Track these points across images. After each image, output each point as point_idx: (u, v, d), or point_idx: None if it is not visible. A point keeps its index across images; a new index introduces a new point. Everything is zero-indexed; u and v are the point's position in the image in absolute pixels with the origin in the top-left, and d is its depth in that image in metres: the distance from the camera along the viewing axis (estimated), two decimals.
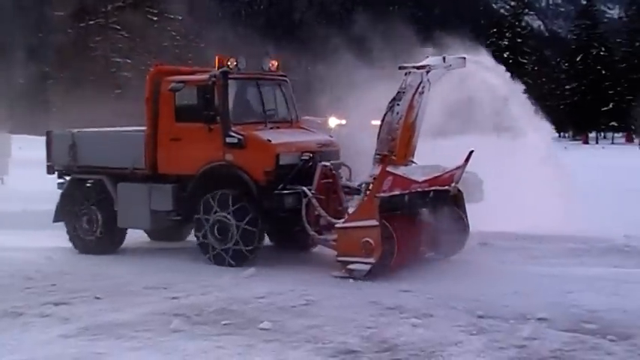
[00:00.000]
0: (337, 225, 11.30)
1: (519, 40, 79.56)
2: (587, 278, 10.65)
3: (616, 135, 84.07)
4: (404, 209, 11.37)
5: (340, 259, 11.08)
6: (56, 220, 13.59)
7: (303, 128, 13.24)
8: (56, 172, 13.86)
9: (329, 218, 11.56)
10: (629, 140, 77.76)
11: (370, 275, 10.70)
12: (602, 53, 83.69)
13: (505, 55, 67.67)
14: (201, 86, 12.14)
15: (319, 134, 13.12)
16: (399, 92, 11.65)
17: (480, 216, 12.33)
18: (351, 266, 10.86)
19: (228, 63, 12.22)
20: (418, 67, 11.62)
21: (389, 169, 11.07)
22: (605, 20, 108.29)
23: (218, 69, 12.21)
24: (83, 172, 13.41)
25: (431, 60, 11.79)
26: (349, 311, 9.05)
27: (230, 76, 12.21)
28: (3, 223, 15.75)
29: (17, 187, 22.64)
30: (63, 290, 10.22)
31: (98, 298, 9.79)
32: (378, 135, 11.77)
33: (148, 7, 48.43)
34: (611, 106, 79.54)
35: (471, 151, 11.83)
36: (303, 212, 11.57)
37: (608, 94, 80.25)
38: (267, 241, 12.82)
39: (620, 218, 15.10)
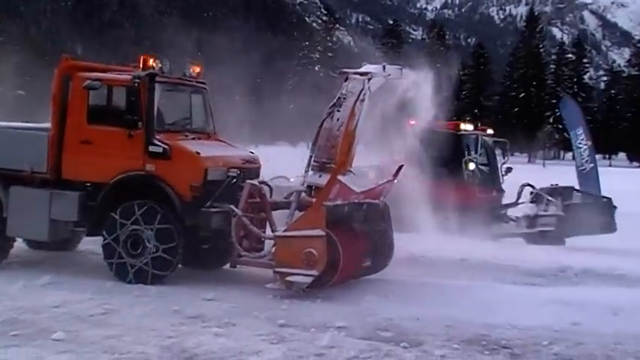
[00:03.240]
0: (277, 233, 10.67)
1: (330, 55, 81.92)
2: (385, 287, 11.05)
3: None
4: (344, 221, 10.79)
5: (278, 269, 10.35)
6: None
7: (222, 141, 12.24)
8: None
9: (264, 235, 10.94)
10: None
11: (311, 288, 10.18)
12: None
13: (316, 68, 69.36)
14: (124, 87, 11.15)
15: (241, 149, 12.23)
16: (339, 98, 11.16)
17: None
18: (290, 278, 10.18)
19: (153, 64, 11.18)
20: (361, 74, 11.23)
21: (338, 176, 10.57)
22: (410, 41, 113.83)
23: (143, 70, 11.15)
24: None
25: (372, 67, 11.45)
26: (150, 320, 8.84)
27: (157, 79, 11.18)
28: None
29: None
30: None
31: None
32: (315, 141, 11.19)
33: None
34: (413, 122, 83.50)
35: (401, 166, 11.72)
36: (233, 232, 10.84)
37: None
38: None
39: None
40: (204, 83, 12.35)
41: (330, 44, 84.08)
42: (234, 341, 8.13)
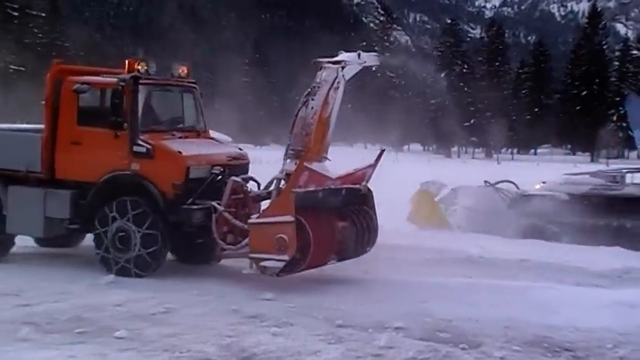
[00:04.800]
0: (250, 220, 10.95)
1: (387, 55, 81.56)
2: (443, 288, 10.98)
3: (476, 150, 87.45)
4: (317, 206, 11.02)
5: (253, 255, 10.72)
6: None
7: (212, 139, 12.67)
8: None
9: (246, 227, 11.10)
10: (488, 155, 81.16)
11: (283, 273, 10.53)
12: (464, 71, 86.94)
13: (374, 69, 69.17)
14: (110, 90, 11.59)
15: (229, 147, 12.58)
16: (313, 87, 11.40)
17: None
18: (263, 263, 10.54)
19: (139, 67, 11.64)
20: (334, 62, 11.46)
21: (306, 163, 10.83)
22: (468, 39, 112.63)
23: (128, 73, 11.61)
24: None
25: (346, 55, 11.65)
26: (209, 319, 8.95)
27: (140, 81, 11.62)
28: None
29: None
30: None
31: None
32: (291, 130, 11.46)
33: (8, 1, 46.47)
34: (472, 122, 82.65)
35: (382, 150, 11.95)
36: (214, 228, 11.16)
37: (469, 111, 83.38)
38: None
39: None
40: (194, 83, 12.74)
41: (387, 44, 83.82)
42: (292, 341, 8.17)
